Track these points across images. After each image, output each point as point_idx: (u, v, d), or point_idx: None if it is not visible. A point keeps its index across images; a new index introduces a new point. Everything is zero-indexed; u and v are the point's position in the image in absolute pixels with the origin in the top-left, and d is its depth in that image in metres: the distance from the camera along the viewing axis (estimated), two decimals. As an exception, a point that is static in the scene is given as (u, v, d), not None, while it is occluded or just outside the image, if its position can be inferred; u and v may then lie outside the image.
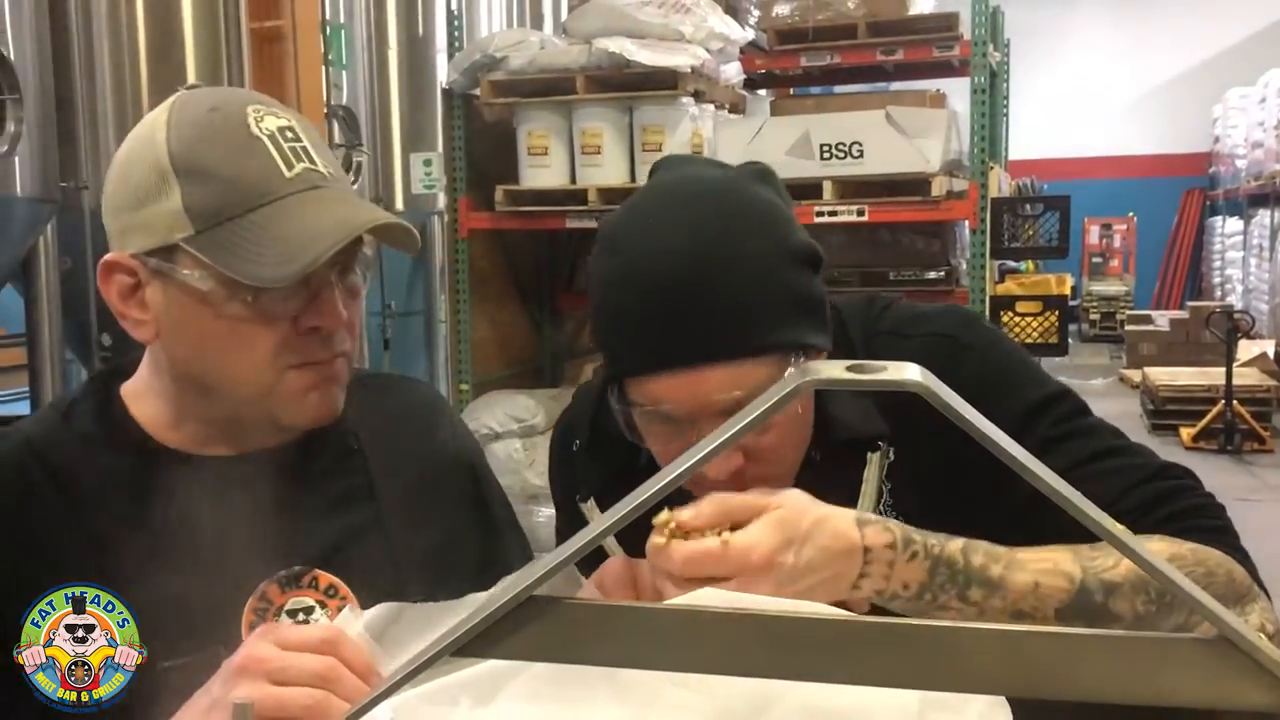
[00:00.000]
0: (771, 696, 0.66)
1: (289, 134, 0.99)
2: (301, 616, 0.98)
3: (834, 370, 0.42)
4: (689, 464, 0.48)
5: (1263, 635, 0.42)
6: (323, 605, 0.99)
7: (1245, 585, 0.96)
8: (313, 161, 0.99)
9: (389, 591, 0.95)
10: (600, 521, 0.48)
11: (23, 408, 4.31)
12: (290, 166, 0.97)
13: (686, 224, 1.00)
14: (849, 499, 1.06)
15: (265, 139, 0.97)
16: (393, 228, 1.01)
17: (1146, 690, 0.42)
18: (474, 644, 0.45)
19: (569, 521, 1.26)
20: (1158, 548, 0.95)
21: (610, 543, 1.08)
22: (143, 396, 1.06)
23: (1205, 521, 1.01)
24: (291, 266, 0.93)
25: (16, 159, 3.59)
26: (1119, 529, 0.43)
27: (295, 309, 0.98)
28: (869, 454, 1.10)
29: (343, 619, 0.85)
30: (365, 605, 0.95)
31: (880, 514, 1.08)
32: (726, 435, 0.46)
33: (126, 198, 0.98)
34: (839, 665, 0.43)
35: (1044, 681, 0.43)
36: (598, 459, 1.21)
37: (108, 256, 1.00)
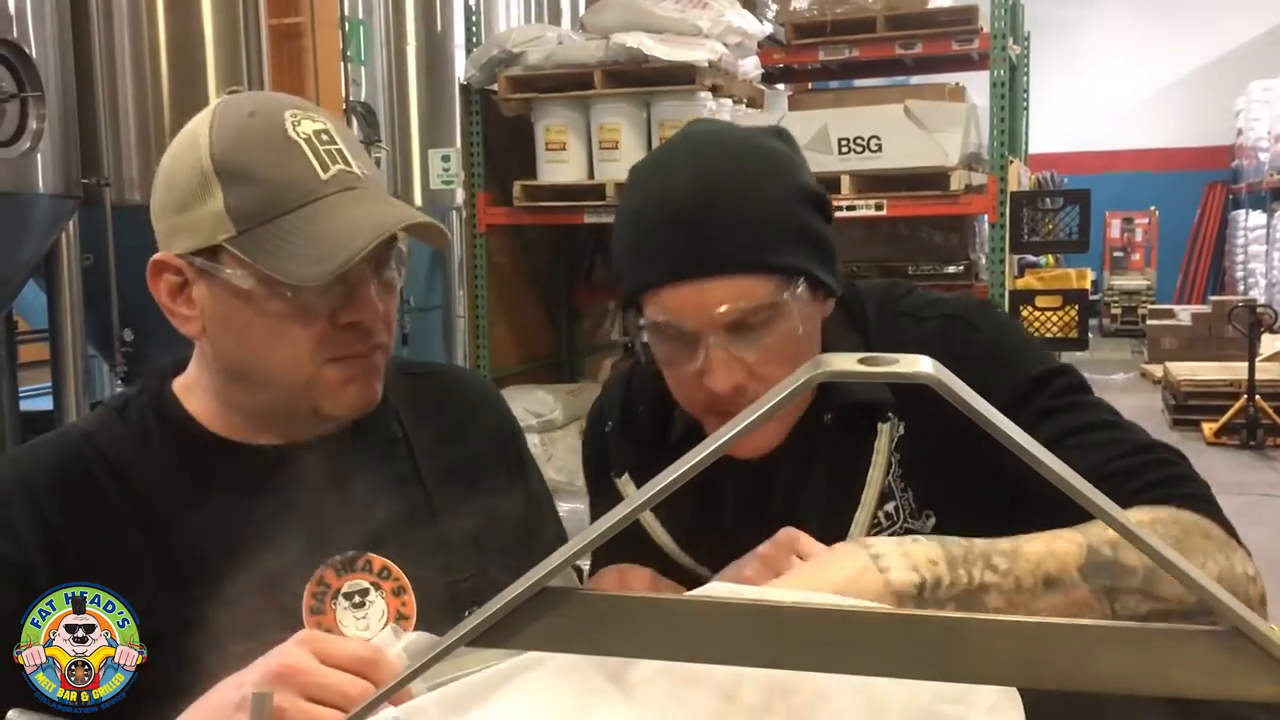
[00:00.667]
0: (786, 689, 0.66)
1: (325, 137, 1.04)
2: (358, 598, 1.03)
3: (847, 362, 0.42)
4: (711, 449, 0.48)
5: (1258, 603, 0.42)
6: (377, 587, 1.04)
7: (1223, 539, 0.99)
8: (348, 163, 1.04)
9: (438, 572, 1.05)
10: (614, 513, 0.48)
11: (45, 403, 4.35)
12: (326, 169, 1.02)
13: (702, 159, 1.10)
14: (859, 465, 1.15)
15: (302, 142, 1.02)
16: (425, 226, 1.06)
17: (1157, 682, 0.43)
18: (489, 635, 0.45)
19: (604, 507, 1.31)
20: (1138, 516, 0.98)
21: (649, 518, 1.17)
22: (193, 391, 1.11)
23: (1186, 489, 1.04)
24: (328, 265, 0.98)
25: (39, 156, 3.62)
26: (1117, 510, 0.43)
27: (333, 305, 1.03)
28: (879, 425, 1.15)
29: (383, 638, 0.87)
30: (416, 586, 1.03)
31: (889, 485, 1.15)
32: (744, 424, 0.47)
33: (172, 200, 1.04)
34: (850, 656, 0.44)
35: (1055, 672, 0.43)
36: (630, 438, 1.28)
37: (156, 256, 1.06)
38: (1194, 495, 1.03)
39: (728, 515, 1.21)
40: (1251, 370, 6.82)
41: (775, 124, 1.22)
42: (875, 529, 1.15)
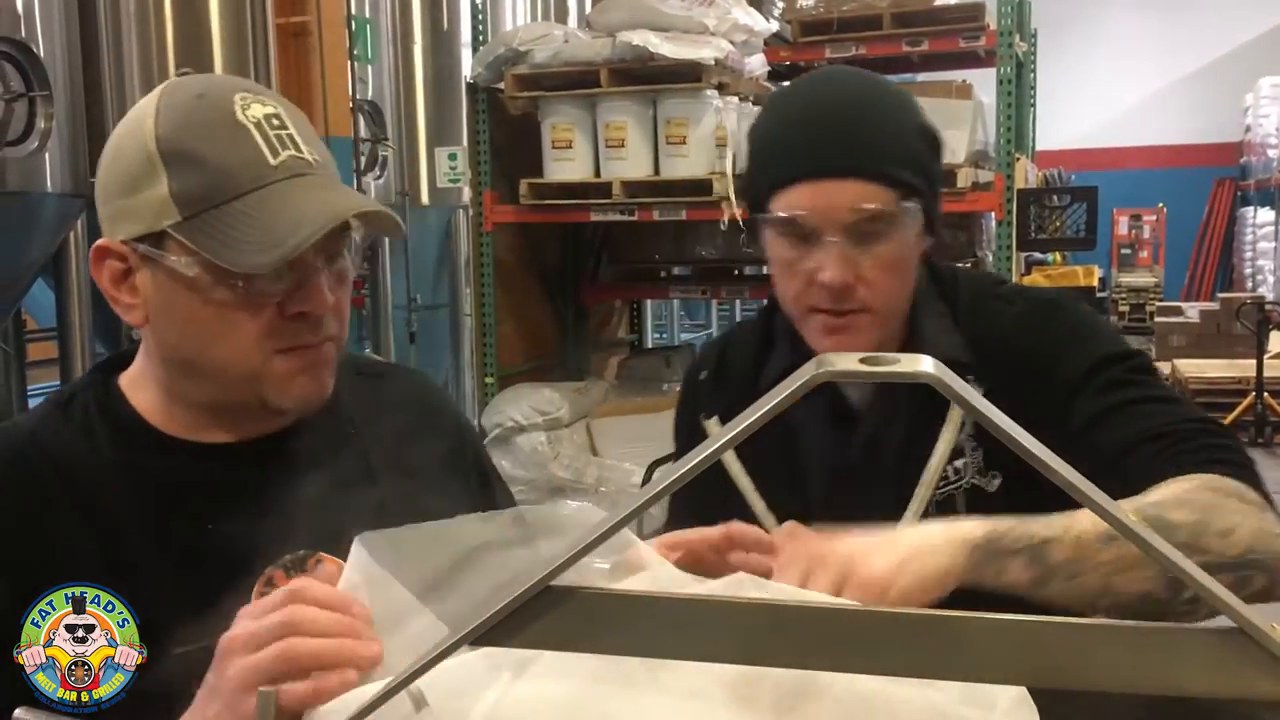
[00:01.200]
0: (804, 690, 0.66)
1: (275, 121, 1.01)
2: None
3: (849, 362, 0.42)
4: (722, 441, 0.48)
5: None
6: None
7: (1259, 503, 1.07)
8: (298, 149, 1.01)
9: None
10: (634, 499, 0.48)
11: (54, 401, 4.39)
12: (275, 154, 0.99)
13: (842, 83, 1.25)
14: (936, 421, 1.22)
15: (251, 126, 0.99)
16: (378, 215, 1.04)
17: (1160, 681, 0.43)
18: (491, 634, 0.46)
19: (683, 451, 1.43)
20: (1180, 485, 1.06)
21: (731, 461, 1.24)
22: (139, 385, 1.09)
23: (1230, 458, 1.12)
24: (275, 253, 0.95)
25: (47, 155, 3.63)
26: (1110, 503, 0.43)
27: (281, 294, 1.00)
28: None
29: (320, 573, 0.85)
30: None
31: (961, 443, 1.23)
32: (748, 422, 0.47)
33: (116, 184, 1.01)
34: (857, 655, 0.44)
35: (1058, 671, 0.43)
36: (722, 385, 1.39)
37: (99, 242, 1.03)
38: (1237, 464, 1.12)
39: (807, 465, 1.30)
40: (1260, 367, 6.81)
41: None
42: (943, 483, 1.23)
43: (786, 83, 5.53)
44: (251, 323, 1.00)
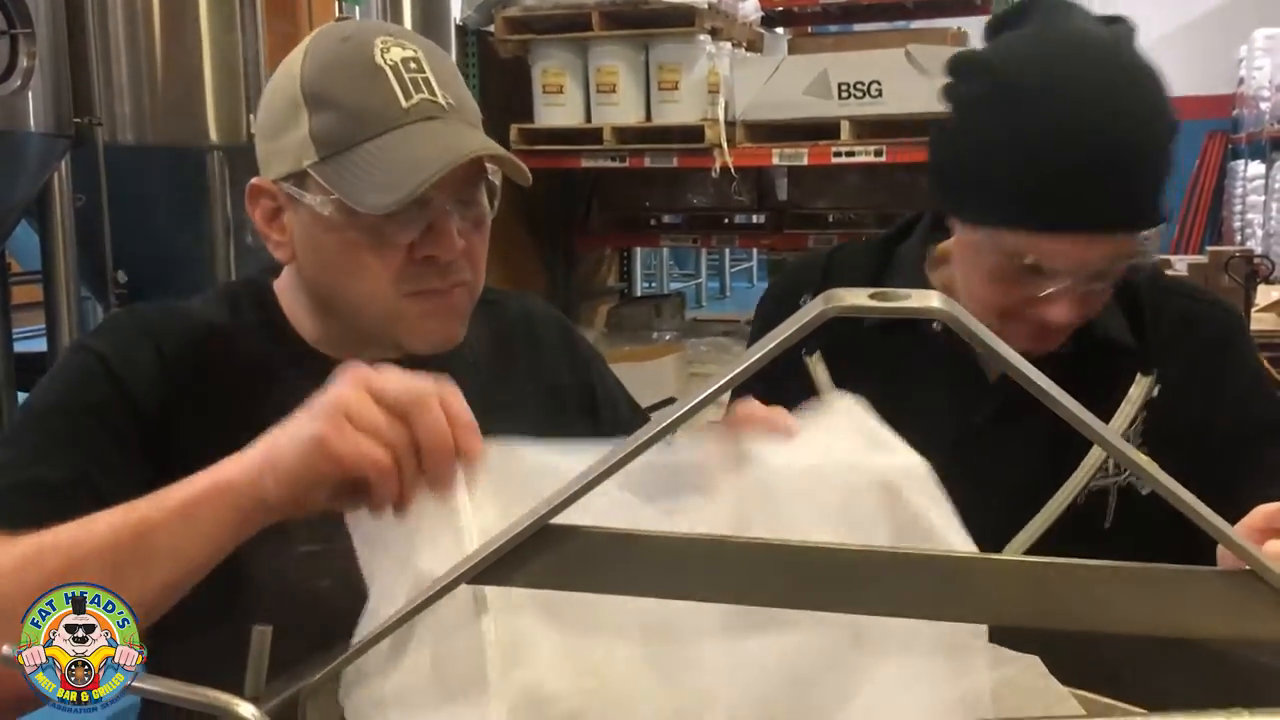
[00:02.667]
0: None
1: (412, 65, 1.04)
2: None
3: (858, 297, 0.41)
4: (722, 382, 0.47)
5: (1288, 569, 0.42)
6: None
7: None
8: (432, 92, 1.04)
9: None
10: (634, 439, 0.47)
11: (39, 344, 4.33)
12: (409, 96, 1.02)
13: (1111, 86, 1.05)
14: (1099, 406, 1.11)
15: (388, 69, 1.03)
16: (500, 158, 1.06)
17: (1169, 622, 0.42)
18: (488, 572, 0.45)
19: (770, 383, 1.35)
20: None
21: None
22: (290, 298, 1.14)
23: None
24: (395, 194, 0.98)
25: (30, 94, 3.57)
26: (1149, 464, 0.43)
27: (411, 237, 1.03)
28: (1139, 375, 1.17)
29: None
30: None
31: (1128, 439, 1.14)
32: (754, 358, 0.46)
33: (269, 125, 1.07)
34: (857, 595, 0.43)
35: (1064, 613, 0.42)
36: None
37: (253, 180, 1.09)
38: None
39: (923, 426, 1.20)
40: (1247, 320, 6.82)
41: (1119, 19, 1.19)
42: (1101, 473, 1.17)
43: (780, 29, 5.47)
44: (381, 263, 1.03)
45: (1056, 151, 1.02)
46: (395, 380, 0.77)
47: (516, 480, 0.68)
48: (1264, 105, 11.27)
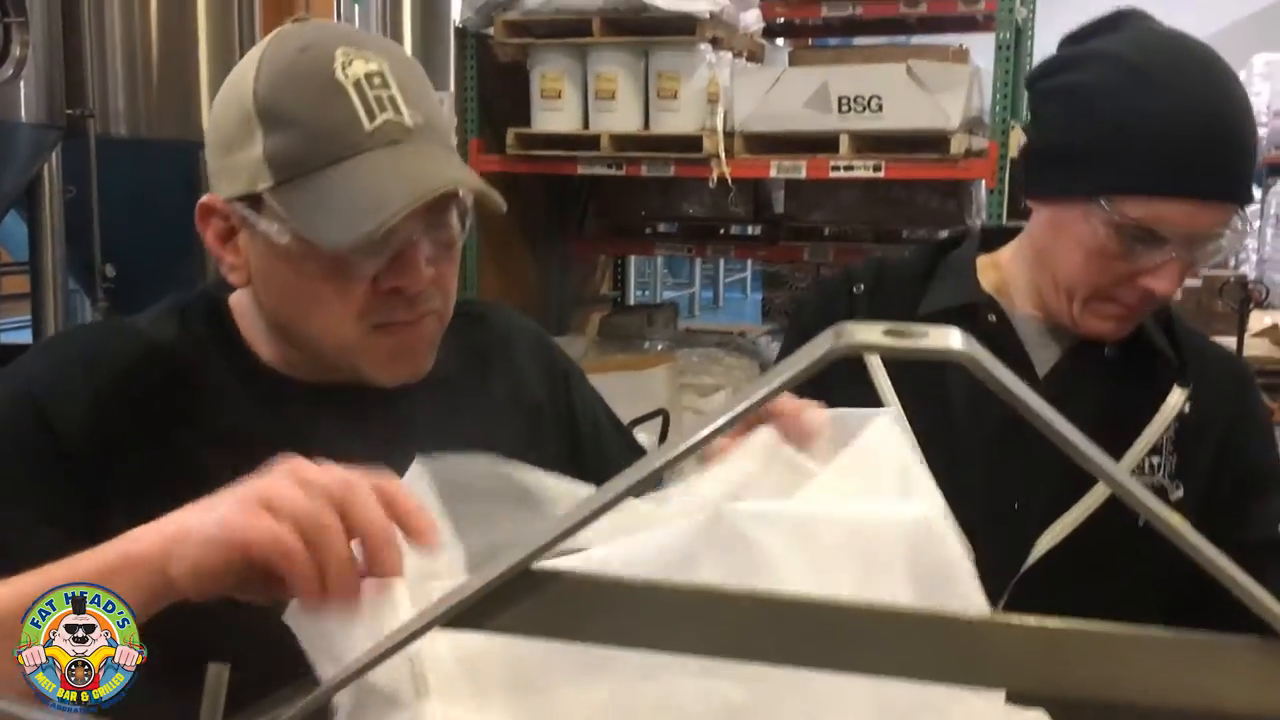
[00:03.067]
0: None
1: (376, 80, 0.95)
2: None
3: (871, 334, 0.38)
4: (732, 414, 0.44)
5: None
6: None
7: None
8: (398, 110, 0.96)
9: None
10: (655, 456, 0.43)
11: (24, 336, 4.29)
12: (372, 117, 0.94)
13: (1223, 81, 1.18)
14: (1136, 410, 1.24)
15: (350, 86, 0.95)
16: (470, 189, 0.98)
17: (1193, 695, 0.39)
18: (464, 617, 0.42)
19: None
20: None
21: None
22: (247, 318, 1.06)
23: None
24: (357, 231, 0.91)
25: (21, 84, 3.53)
26: (1167, 512, 0.40)
27: (375, 269, 0.96)
28: (1176, 385, 1.26)
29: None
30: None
31: (1163, 445, 1.24)
32: (763, 393, 0.42)
33: (219, 140, 0.99)
34: (861, 654, 0.40)
35: (1082, 682, 0.39)
36: (878, 303, 1.32)
37: (204, 198, 1.01)
38: None
39: (961, 423, 1.26)
40: (1240, 346, 6.79)
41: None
42: (1134, 473, 1.23)
43: (781, 40, 5.46)
44: (343, 298, 0.96)
45: (1187, 127, 1.14)
46: (327, 470, 0.72)
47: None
48: (1262, 130, 11.30)
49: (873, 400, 1.23)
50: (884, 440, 0.66)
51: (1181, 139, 1.14)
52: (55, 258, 3.87)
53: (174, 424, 0.99)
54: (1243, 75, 12.09)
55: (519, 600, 0.41)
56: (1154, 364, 1.28)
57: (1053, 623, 0.40)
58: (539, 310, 4.93)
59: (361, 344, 0.98)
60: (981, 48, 4.44)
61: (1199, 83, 1.16)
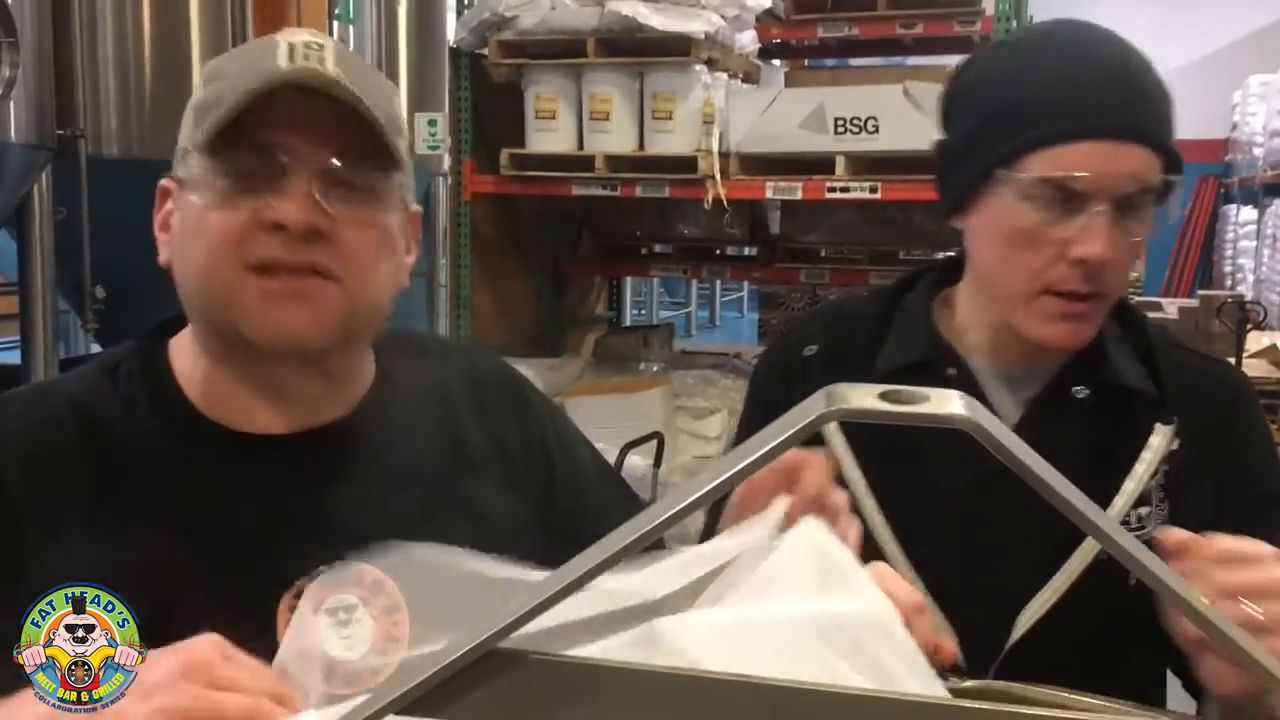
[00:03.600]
0: None
1: (314, 46, 0.93)
2: (342, 615, 0.86)
3: (865, 398, 0.35)
4: (722, 478, 0.41)
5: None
6: (366, 603, 0.92)
7: None
8: (322, 66, 0.92)
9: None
10: (599, 550, 0.41)
11: (13, 356, 4.26)
12: (292, 61, 0.92)
13: (1099, 36, 1.13)
14: (1117, 455, 1.13)
15: (283, 44, 0.93)
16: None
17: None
18: (424, 701, 0.38)
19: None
20: None
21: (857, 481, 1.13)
22: (186, 353, 1.02)
23: None
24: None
25: (11, 104, 3.51)
26: (1204, 603, 0.36)
27: (255, 201, 0.92)
28: (1158, 424, 1.15)
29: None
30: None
31: (1149, 493, 1.14)
32: (754, 457, 0.39)
33: (183, 124, 0.99)
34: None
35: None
36: (834, 366, 1.18)
37: (160, 181, 1.01)
38: None
39: (932, 476, 1.15)
40: (1239, 366, 6.80)
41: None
42: (1127, 526, 1.13)
43: (777, 61, 5.46)
44: (222, 228, 0.91)
45: (1077, 69, 1.08)
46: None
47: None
48: (1257, 151, 11.31)
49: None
50: (817, 542, 0.61)
51: (1074, 81, 1.07)
52: (45, 278, 3.85)
53: (98, 481, 0.95)
54: (1237, 96, 12.18)
55: (483, 683, 0.38)
56: (1131, 402, 1.17)
57: (1047, 712, 0.37)
58: (534, 331, 4.90)
59: (238, 287, 0.93)
60: (978, 69, 4.43)
61: (1086, 37, 1.12)
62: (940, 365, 1.16)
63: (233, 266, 0.93)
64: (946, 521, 1.14)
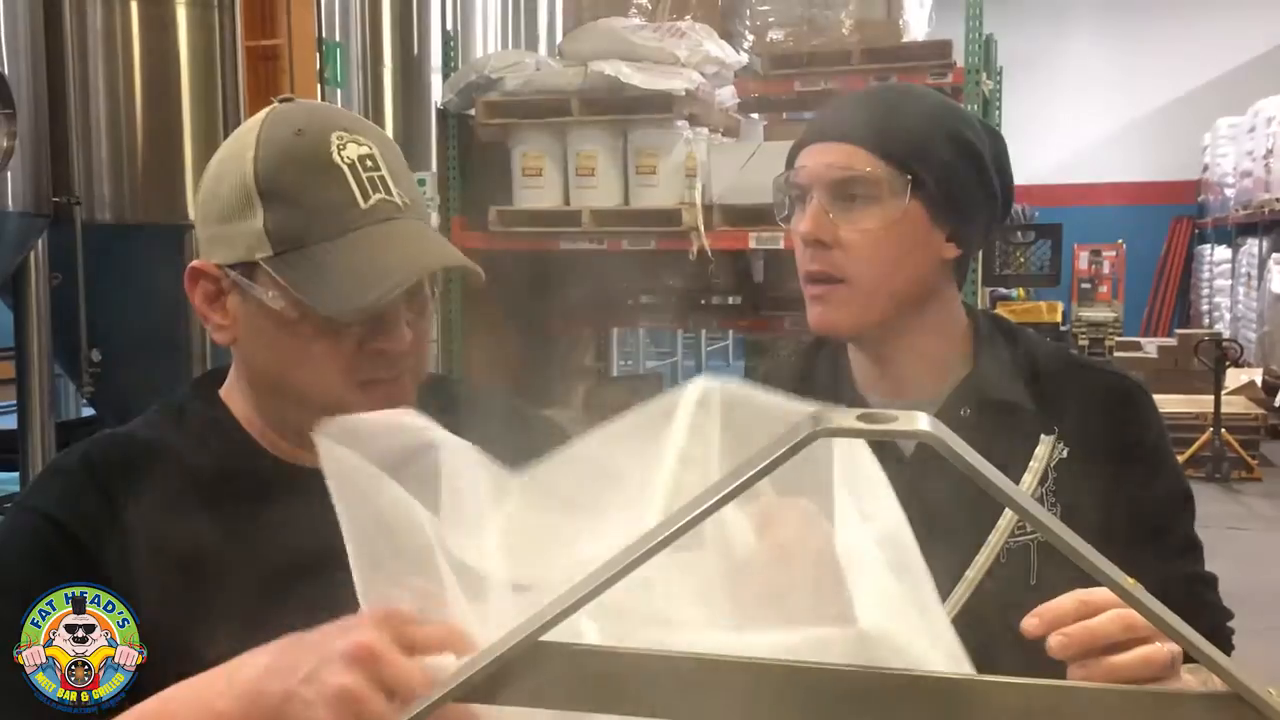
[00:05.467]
0: None
1: (369, 163, 1.05)
2: None
3: (846, 419, 0.42)
4: (716, 499, 0.47)
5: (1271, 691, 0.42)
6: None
7: None
8: (388, 191, 1.05)
9: None
10: (644, 542, 0.47)
11: (9, 421, 4.30)
12: (366, 197, 1.03)
13: (906, 86, 1.34)
14: (1006, 469, 1.15)
15: (345, 168, 1.03)
16: (460, 268, 1.09)
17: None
18: (475, 691, 0.44)
19: None
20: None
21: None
22: (235, 400, 1.13)
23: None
24: (361, 300, 1.00)
25: (9, 173, 3.58)
26: (1130, 582, 0.43)
27: (362, 332, 1.05)
28: (1043, 435, 1.24)
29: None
30: None
31: (1041, 500, 1.21)
32: (742, 480, 0.46)
33: (215, 210, 1.06)
34: (858, 716, 0.43)
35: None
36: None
37: (194, 263, 1.08)
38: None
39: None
40: (1217, 404, 6.89)
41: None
42: (1019, 531, 1.21)
43: (756, 115, 5.58)
44: (331, 357, 1.04)
45: (837, 101, 1.32)
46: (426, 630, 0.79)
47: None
48: (1228, 191, 11.52)
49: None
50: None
51: (828, 105, 1.32)
52: (41, 344, 3.88)
53: (171, 510, 1.04)
54: (1207, 138, 12.36)
55: (529, 673, 0.44)
56: (1016, 417, 1.25)
57: (1018, 679, 0.43)
58: (525, 384, 4.96)
59: (346, 400, 1.04)
60: (951, 119, 4.54)
61: (881, 86, 1.35)
62: (844, 404, 1.26)
63: (342, 386, 1.05)
64: None
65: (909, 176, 1.21)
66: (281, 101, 1.11)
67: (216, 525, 1.05)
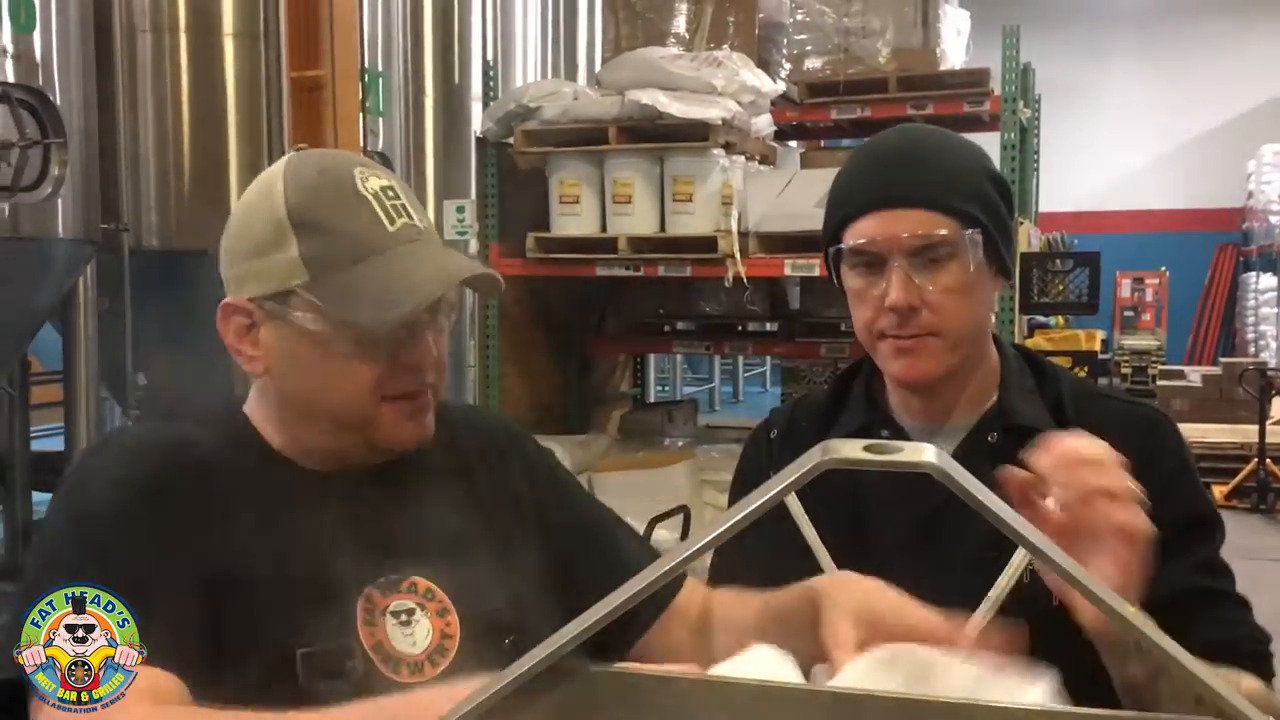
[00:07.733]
0: None
1: (390, 193, 1.14)
2: (404, 617, 1.12)
3: (852, 450, 0.43)
4: (729, 524, 0.49)
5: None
6: (422, 608, 1.13)
7: None
8: (410, 217, 1.14)
9: (478, 599, 1.15)
10: (647, 573, 0.48)
11: (57, 443, 4.37)
12: (393, 221, 1.12)
13: (906, 132, 1.37)
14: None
15: (370, 197, 1.12)
16: (482, 277, 1.19)
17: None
18: (492, 712, 0.46)
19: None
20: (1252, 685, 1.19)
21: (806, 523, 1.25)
22: (258, 414, 1.20)
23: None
24: (397, 311, 1.08)
25: (60, 201, 3.66)
26: (1130, 610, 0.44)
27: (394, 347, 1.12)
28: None
29: None
30: (461, 612, 1.13)
31: None
32: (756, 504, 0.47)
33: (245, 248, 1.14)
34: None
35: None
36: (790, 446, 1.40)
37: (226, 300, 1.15)
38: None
39: (874, 516, 1.32)
40: (1262, 433, 6.79)
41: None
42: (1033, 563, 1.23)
43: (793, 142, 5.60)
44: (366, 372, 1.12)
45: (868, 159, 1.34)
46: None
47: None
48: (1273, 219, 11.39)
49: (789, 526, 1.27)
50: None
51: (865, 167, 1.33)
52: (88, 367, 3.96)
53: (197, 505, 1.10)
54: (1251, 165, 12.23)
55: (545, 694, 0.46)
56: (1018, 435, 1.26)
57: (1026, 706, 0.44)
58: (561, 409, 5.00)
59: (376, 414, 1.13)
60: (988, 147, 4.54)
61: (887, 136, 1.36)
62: (875, 428, 1.36)
63: (372, 400, 1.13)
64: (890, 560, 1.22)
65: (978, 229, 1.27)
66: (296, 150, 1.19)
67: (228, 517, 1.11)
